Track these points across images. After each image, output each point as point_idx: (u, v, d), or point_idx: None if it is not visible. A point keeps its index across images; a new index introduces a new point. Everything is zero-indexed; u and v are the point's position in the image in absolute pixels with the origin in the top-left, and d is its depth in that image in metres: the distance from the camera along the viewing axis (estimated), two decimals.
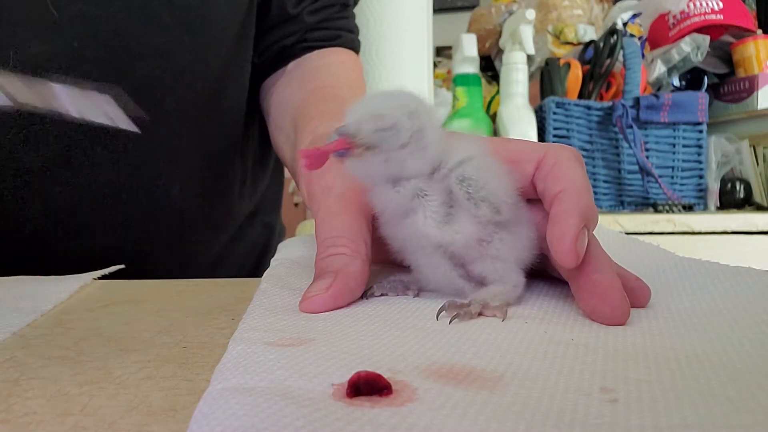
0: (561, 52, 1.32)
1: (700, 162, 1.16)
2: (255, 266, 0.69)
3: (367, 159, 0.27)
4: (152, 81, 0.50)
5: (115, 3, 0.46)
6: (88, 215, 0.51)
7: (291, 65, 0.60)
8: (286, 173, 0.73)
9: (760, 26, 1.34)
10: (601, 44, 1.14)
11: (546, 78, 1.16)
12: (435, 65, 1.57)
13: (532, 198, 0.31)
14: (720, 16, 1.25)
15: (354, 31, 0.64)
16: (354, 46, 0.63)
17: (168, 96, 0.51)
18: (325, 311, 0.28)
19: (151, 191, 0.54)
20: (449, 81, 1.32)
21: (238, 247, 0.66)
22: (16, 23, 0.44)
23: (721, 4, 1.25)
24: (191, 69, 0.52)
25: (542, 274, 0.33)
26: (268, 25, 0.59)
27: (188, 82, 0.52)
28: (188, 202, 0.57)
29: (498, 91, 1.25)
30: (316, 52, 0.60)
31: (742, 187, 1.16)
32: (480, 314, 0.26)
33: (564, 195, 0.27)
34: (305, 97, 0.54)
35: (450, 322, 0.25)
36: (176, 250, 0.58)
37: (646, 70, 1.18)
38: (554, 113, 1.12)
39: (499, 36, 1.30)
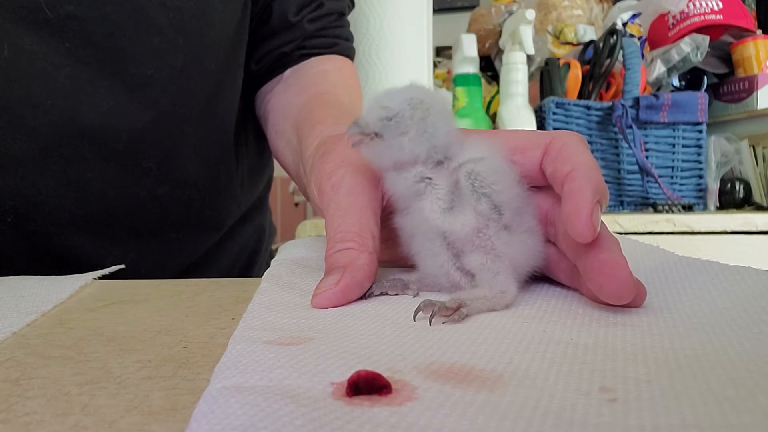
0: (561, 52, 1.32)
1: (699, 162, 1.16)
2: (246, 266, 0.69)
3: (375, 146, 0.31)
4: (145, 80, 0.50)
5: (108, 4, 0.47)
6: (72, 209, 0.51)
7: (288, 72, 0.61)
8: (281, 173, 0.72)
9: (759, 26, 1.34)
10: (601, 44, 1.14)
11: (546, 78, 1.16)
12: (435, 65, 1.57)
13: (540, 185, 0.32)
14: (720, 17, 1.24)
15: (349, 39, 0.65)
16: (349, 54, 0.65)
17: (162, 96, 0.51)
18: (336, 306, 0.28)
19: (137, 190, 0.53)
20: (449, 81, 1.32)
21: (228, 248, 0.66)
22: (10, 18, 0.44)
23: (720, 4, 1.25)
24: (187, 71, 0.52)
25: (543, 278, 0.33)
26: (267, 32, 0.60)
27: (184, 84, 0.52)
28: (175, 203, 0.57)
29: (498, 91, 1.25)
30: (314, 59, 0.61)
31: (741, 187, 1.16)
32: (452, 312, 0.26)
33: (575, 173, 0.28)
34: (306, 102, 0.54)
35: (430, 323, 0.25)
36: (157, 247, 0.58)
37: (645, 70, 1.18)
38: (554, 113, 1.12)
39: (499, 36, 1.30)
